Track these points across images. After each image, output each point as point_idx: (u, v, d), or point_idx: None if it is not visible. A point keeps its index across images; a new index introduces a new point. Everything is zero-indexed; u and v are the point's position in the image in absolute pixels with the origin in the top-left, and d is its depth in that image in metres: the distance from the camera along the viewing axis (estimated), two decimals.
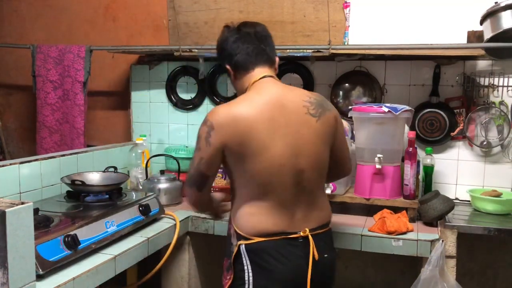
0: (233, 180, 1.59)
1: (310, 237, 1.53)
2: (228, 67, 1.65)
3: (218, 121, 1.50)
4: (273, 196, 1.51)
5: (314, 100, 1.59)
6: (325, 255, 1.57)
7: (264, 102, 1.53)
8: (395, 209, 2.13)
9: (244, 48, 1.61)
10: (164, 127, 2.97)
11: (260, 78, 1.60)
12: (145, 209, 2.01)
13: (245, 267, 1.53)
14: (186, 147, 2.79)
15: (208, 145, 1.51)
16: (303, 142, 1.52)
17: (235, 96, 2.78)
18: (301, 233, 1.53)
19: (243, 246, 1.53)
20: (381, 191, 2.17)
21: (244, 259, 1.53)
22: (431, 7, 2.37)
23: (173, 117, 2.94)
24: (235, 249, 1.54)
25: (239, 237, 1.55)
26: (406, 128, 2.30)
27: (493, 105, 2.36)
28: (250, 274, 1.52)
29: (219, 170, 2.47)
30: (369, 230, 2.00)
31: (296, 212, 1.55)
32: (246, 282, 1.52)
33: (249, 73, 1.62)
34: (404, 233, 1.97)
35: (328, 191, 2.18)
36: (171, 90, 2.92)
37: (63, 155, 2.27)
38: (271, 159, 1.48)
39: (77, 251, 1.59)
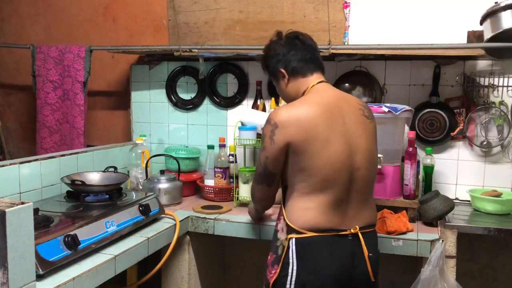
0: (289, 176, 1.63)
1: (360, 234, 1.59)
2: (283, 70, 1.72)
3: (281, 119, 1.57)
4: (329, 192, 1.57)
5: (365, 104, 1.75)
6: (370, 254, 1.61)
7: (325, 102, 1.61)
8: (395, 209, 2.12)
9: (302, 54, 1.71)
10: (164, 127, 2.97)
11: (318, 83, 1.70)
12: (145, 209, 2.01)
13: (290, 260, 1.57)
14: (186, 147, 2.79)
15: (273, 143, 1.58)
16: (359, 141, 1.62)
17: (235, 96, 2.81)
18: (352, 230, 1.58)
19: (293, 239, 1.57)
20: (381, 191, 2.17)
21: (291, 253, 1.57)
22: (431, 7, 2.37)
23: (173, 117, 2.95)
24: (286, 244, 1.59)
25: (290, 230, 1.58)
26: (406, 128, 2.30)
27: (493, 105, 2.36)
28: (294, 268, 1.56)
29: (219, 170, 2.50)
30: None
31: (348, 210, 1.60)
32: (289, 275, 1.56)
33: (307, 77, 1.71)
34: (404, 233, 1.97)
35: None
36: (171, 90, 2.92)
37: (63, 155, 2.27)
38: (332, 156, 1.55)
39: (77, 251, 1.59)
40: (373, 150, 1.69)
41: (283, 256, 1.58)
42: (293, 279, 1.55)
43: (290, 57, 1.70)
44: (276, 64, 1.73)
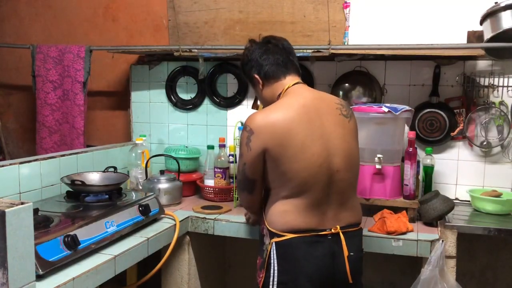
0: (268, 181, 1.64)
1: (341, 234, 1.60)
2: (256, 76, 1.74)
3: (256, 126, 1.58)
4: (307, 195, 1.57)
5: (343, 102, 1.73)
6: (351, 254, 1.61)
7: (301, 105, 1.61)
8: (395, 209, 2.12)
9: (274, 58, 1.72)
10: (164, 127, 2.97)
11: (293, 84, 1.70)
12: (145, 209, 2.01)
13: (272, 261, 1.60)
14: (186, 147, 2.79)
15: (249, 150, 1.59)
16: (337, 142, 1.60)
17: (235, 96, 2.81)
18: (332, 230, 1.59)
19: (274, 243, 1.60)
20: (381, 191, 2.17)
21: (272, 254, 1.60)
22: (431, 7, 2.37)
23: (173, 117, 2.94)
24: (269, 247, 1.61)
25: (272, 235, 1.62)
26: (406, 128, 2.29)
27: (493, 105, 2.36)
28: (275, 269, 1.59)
29: (219, 170, 2.50)
30: (369, 230, 1.99)
31: (327, 211, 1.61)
32: (271, 275, 1.60)
33: (281, 81, 1.72)
34: (404, 233, 1.96)
35: None
36: (171, 90, 2.92)
37: (63, 155, 2.27)
38: (310, 159, 1.55)
39: (77, 251, 1.59)
40: (353, 150, 1.67)
41: (266, 259, 1.62)
42: (275, 280, 1.58)
43: (262, 61, 1.72)
44: (250, 70, 1.75)
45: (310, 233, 1.57)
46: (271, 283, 1.59)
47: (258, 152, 1.57)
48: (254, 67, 1.74)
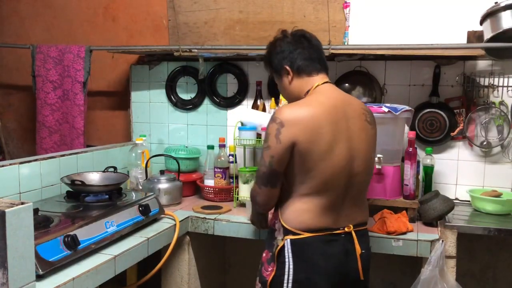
0: (290, 176, 1.61)
1: (353, 232, 1.62)
2: (288, 67, 1.69)
3: (288, 118, 1.54)
4: (327, 195, 1.58)
5: (368, 109, 1.73)
6: (362, 251, 1.65)
7: (331, 105, 1.59)
8: (395, 209, 2.12)
9: (309, 53, 1.69)
10: (164, 127, 2.97)
11: (323, 83, 1.68)
12: (145, 209, 2.01)
13: (286, 259, 1.58)
14: (186, 147, 2.79)
15: (279, 142, 1.54)
16: (360, 147, 1.63)
17: (235, 96, 2.80)
18: (346, 229, 1.61)
19: (289, 240, 1.58)
20: (381, 191, 2.17)
21: (286, 252, 1.59)
22: (431, 7, 2.37)
23: (173, 117, 2.94)
24: (280, 243, 1.60)
25: (287, 232, 1.60)
26: (406, 128, 2.29)
27: (493, 105, 2.36)
28: (291, 267, 1.57)
29: (219, 170, 2.50)
30: (369, 230, 1.99)
31: (342, 211, 1.62)
32: (286, 273, 1.58)
33: (312, 77, 1.69)
34: (404, 233, 1.97)
35: None
36: (171, 90, 2.92)
37: (63, 155, 2.27)
38: (335, 159, 1.56)
39: (77, 251, 1.59)
40: (372, 157, 1.72)
41: (276, 255, 1.61)
42: (290, 278, 1.57)
43: (296, 55, 1.68)
44: (281, 61, 1.70)
45: (325, 232, 1.59)
46: (285, 281, 1.58)
47: (288, 145, 1.54)
48: (286, 58, 1.69)
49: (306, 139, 1.53)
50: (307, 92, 1.67)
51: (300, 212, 1.59)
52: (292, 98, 1.72)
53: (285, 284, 1.58)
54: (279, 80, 1.76)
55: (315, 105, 1.58)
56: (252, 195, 1.72)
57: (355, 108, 1.66)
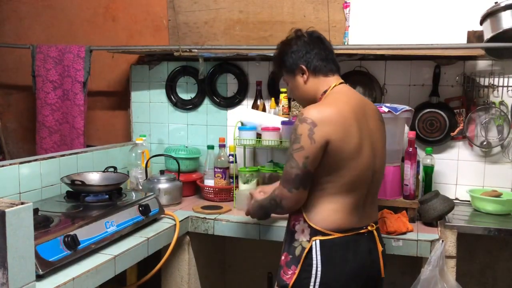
0: (319, 175, 1.57)
1: (375, 231, 1.64)
2: (304, 67, 1.67)
3: (318, 117, 1.52)
4: (354, 194, 1.58)
5: (378, 109, 1.76)
6: (382, 249, 1.67)
7: (354, 104, 1.60)
8: (395, 209, 2.12)
9: (325, 54, 1.68)
10: (164, 127, 2.97)
11: (340, 83, 1.68)
12: (145, 209, 2.01)
13: (314, 261, 1.56)
14: (186, 147, 2.79)
15: (313, 142, 1.51)
16: (379, 145, 1.66)
17: (235, 96, 2.80)
18: (369, 228, 1.62)
19: (318, 241, 1.56)
20: (381, 191, 2.15)
21: (315, 254, 1.56)
22: (431, 7, 2.37)
23: (173, 117, 2.94)
24: (307, 245, 1.57)
25: (315, 232, 1.57)
26: (406, 128, 2.29)
27: (493, 105, 2.36)
28: (319, 269, 1.55)
29: (219, 170, 2.50)
30: None
31: (364, 209, 1.64)
32: (313, 275, 1.56)
33: (328, 77, 1.68)
34: (404, 233, 1.97)
35: None
36: (171, 90, 2.92)
37: (63, 155, 2.27)
38: (362, 159, 1.57)
39: (77, 251, 1.59)
40: (385, 154, 1.73)
41: (303, 257, 1.57)
42: (318, 280, 1.55)
43: (314, 55, 1.67)
44: (297, 60, 1.68)
45: (352, 231, 1.59)
46: (312, 284, 1.55)
47: (322, 144, 1.51)
48: (302, 58, 1.67)
49: (338, 138, 1.52)
50: (324, 92, 1.66)
51: (330, 212, 1.57)
52: (306, 99, 1.71)
53: (311, 287, 1.55)
54: (292, 80, 1.73)
55: (341, 104, 1.57)
56: (277, 200, 1.63)
57: (371, 108, 1.69)
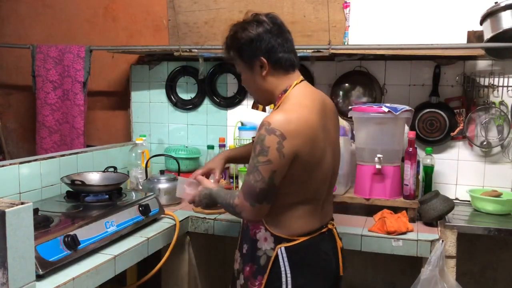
0: (279, 187, 1.48)
1: (334, 229, 1.62)
2: (264, 60, 1.49)
3: (288, 129, 1.39)
4: (317, 199, 1.54)
5: (334, 104, 1.67)
6: (342, 245, 1.65)
7: (318, 109, 1.49)
8: (395, 209, 2.12)
9: (288, 46, 1.52)
10: (164, 127, 2.97)
11: (301, 81, 1.55)
12: (145, 209, 2.01)
13: (282, 269, 1.50)
14: (186, 147, 2.79)
15: (282, 157, 1.39)
16: (336, 146, 1.60)
17: (235, 96, 2.80)
18: (329, 226, 1.60)
19: (283, 248, 1.51)
20: (381, 191, 2.17)
21: (282, 261, 1.50)
22: (431, 7, 2.37)
23: (173, 117, 2.94)
24: (273, 253, 1.51)
25: (279, 240, 1.51)
26: (406, 128, 2.29)
27: (493, 105, 2.36)
28: (289, 275, 1.50)
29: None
30: (369, 230, 1.99)
31: (323, 209, 1.59)
32: (284, 283, 1.50)
33: (289, 74, 1.53)
34: (404, 233, 1.96)
35: None
36: (171, 90, 2.92)
37: (63, 155, 2.27)
38: (325, 167, 1.51)
39: (77, 251, 1.59)
40: (340, 148, 1.67)
41: (269, 266, 1.51)
42: (289, 286, 1.50)
43: (276, 45, 1.48)
44: (257, 52, 1.49)
45: (315, 233, 1.54)
46: None
47: (291, 158, 1.40)
48: (262, 49, 1.48)
49: (306, 151, 1.42)
50: (284, 91, 1.52)
51: (292, 219, 1.51)
52: (261, 95, 1.58)
53: None
54: (247, 71, 1.56)
55: (307, 112, 1.44)
56: (236, 209, 1.52)
57: (330, 106, 1.59)
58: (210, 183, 1.75)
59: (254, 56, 1.51)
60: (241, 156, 1.88)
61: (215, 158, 1.89)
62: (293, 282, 1.50)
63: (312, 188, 1.50)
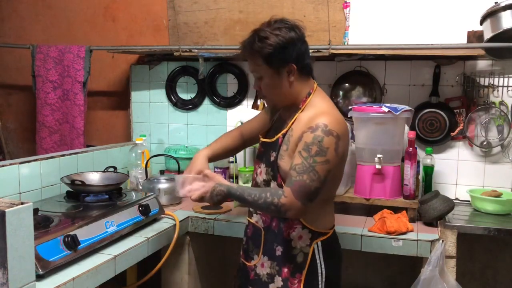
0: None
1: None
2: (294, 66, 1.53)
3: (341, 130, 1.50)
4: (335, 194, 1.74)
5: None
6: None
7: None
8: (395, 209, 2.12)
9: (309, 52, 1.60)
10: (164, 127, 2.97)
11: (317, 85, 1.64)
12: (145, 209, 2.01)
13: (318, 262, 1.60)
14: (186, 147, 2.79)
15: (338, 157, 1.50)
16: None
17: (235, 96, 2.80)
18: None
19: (319, 243, 1.60)
20: (381, 191, 2.17)
21: (318, 254, 1.60)
22: (431, 7, 2.37)
23: (173, 117, 2.94)
24: (310, 249, 1.59)
25: (315, 235, 1.60)
26: (406, 128, 2.29)
27: (493, 105, 2.36)
28: (323, 266, 1.60)
29: (219, 170, 2.50)
30: (369, 230, 2.00)
31: None
32: (320, 274, 1.60)
33: (310, 79, 1.62)
34: (404, 233, 1.96)
35: None
36: (171, 90, 2.92)
37: (63, 155, 2.27)
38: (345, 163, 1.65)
39: (77, 251, 1.59)
40: None
41: (308, 262, 1.59)
42: (323, 276, 1.60)
43: (305, 52, 1.55)
44: (288, 58, 1.51)
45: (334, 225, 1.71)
46: (320, 283, 1.59)
47: (344, 157, 1.56)
48: (293, 55, 1.51)
49: (347, 149, 1.57)
50: (309, 93, 1.58)
51: (326, 214, 1.64)
52: (285, 100, 1.60)
53: (320, 286, 1.59)
54: (273, 77, 1.54)
55: (338, 112, 1.58)
56: (281, 208, 1.48)
57: None
58: (223, 179, 1.68)
59: (285, 62, 1.52)
60: (218, 153, 1.86)
61: (196, 161, 1.77)
62: (326, 272, 1.60)
63: (337, 186, 1.66)
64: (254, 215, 1.70)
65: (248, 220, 1.75)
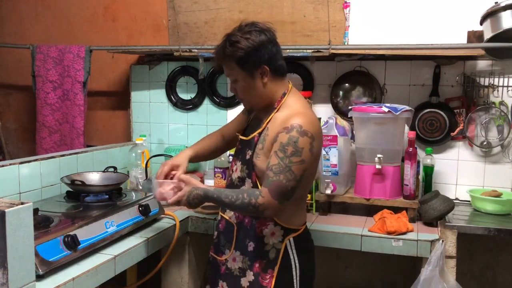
0: None
1: None
2: (267, 68, 1.56)
3: (315, 131, 1.53)
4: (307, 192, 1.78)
5: None
6: None
7: None
8: (395, 209, 2.12)
9: (281, 53, 1.62)
10: (164, 127, 2.97)
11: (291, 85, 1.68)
12: (145, 209, 2.01)
13: (291, 257, 1.62)
14: (186, 147, 2.78)
15: (312, 157, 1.54)
16: None
17: (234, 97, 2.80)
18: None
19: (291, 239, 1.62)
20: (381, 191, 2.17)
21: (290, 250, 1.62)
22: (431, 7, 2.37)
23: (173, 117, 2.94)
24: (282, 246, 1.62)
25: (287, 232, 1.62)
26: (406, 128, 2.29)
27: (493, 105, 2.36)
28: (297, 262, 1.63)
29: (219, 170, 2.50)
30: (369, 230, 2.00)
31: None
32: (293, 269, 1.62)
33: (284, 79, 1.65)
34: (404, 233, 1.96)
35: (328, 191, 2.18)
36: (171, 90, 2.92)
37: (63, 155, 2.27)
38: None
39: (77, 251, 1.59)
40: None
41: (280, 258, 1.61)
42: (298, 272, 1.62)
43: (276, 53, 1.57)
44: (260, 60, 1.54)
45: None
46: (295, 277, 1.62)
47: (318, 157, 1.60)
48: (265, 57, 1.54)
49: (320, 149, 1.61)
50: (284, 94, 1.61)
51: (298, 211, 1.66)
52: (260, 101, 1.62)
53: (294, 280, 1.62)
54: (246, 80, 1.58)
55: (312, 112, 1.63)
56: (258, 208, 1.50)
57: None
58: (199, 182, 1.70)
59: (257, 64, 1.56)
60: (200, 154, 1.89)
61: (179, 155, 1.82)
62: (300, 267, 1.63)
63: (312, 182, 1.70)
64: (228, 210, 1.73)
65: (221, 215, 1.77)
